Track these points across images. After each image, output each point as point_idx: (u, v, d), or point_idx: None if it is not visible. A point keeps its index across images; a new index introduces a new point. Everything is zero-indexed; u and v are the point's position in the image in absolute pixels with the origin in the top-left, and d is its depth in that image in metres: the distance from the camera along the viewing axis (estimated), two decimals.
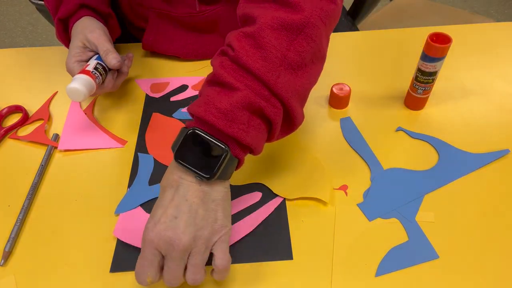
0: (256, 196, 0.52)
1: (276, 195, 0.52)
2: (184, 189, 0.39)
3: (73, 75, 0.57)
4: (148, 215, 0.49)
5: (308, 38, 0.40)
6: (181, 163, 0.39)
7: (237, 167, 0.42)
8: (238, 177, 0.54)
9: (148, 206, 0.51)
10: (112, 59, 0.58)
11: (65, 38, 0.63)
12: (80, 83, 0.53)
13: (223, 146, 0.39)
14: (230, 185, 0.44)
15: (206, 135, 0.39)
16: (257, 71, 0.38)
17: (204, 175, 0.39)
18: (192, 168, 0.39)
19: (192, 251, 0.38)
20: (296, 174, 0.54)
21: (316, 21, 0.40)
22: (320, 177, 0.53)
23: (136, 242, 0.47)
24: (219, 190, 0.40)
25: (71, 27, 0.61)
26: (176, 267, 0.38)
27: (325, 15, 0.41)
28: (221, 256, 0.39)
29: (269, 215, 0.50)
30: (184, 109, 0.63)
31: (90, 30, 0.59)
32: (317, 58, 0.43)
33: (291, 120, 0.42)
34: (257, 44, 0.39)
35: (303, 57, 0.40)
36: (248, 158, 0.56)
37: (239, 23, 0.45)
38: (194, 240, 0.38)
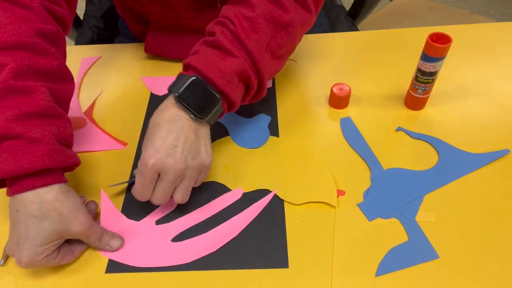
0: (237, 193, 0.52)
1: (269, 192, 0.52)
2: (181, 124, 0.46)
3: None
4: (130, 221, 0.50)
5: (288, 35, 0.51)
6: (182, 103, 0.46)
7: (218, 117, 0.50)
8: (245, 184, 0.54)
9: (131, 211, 0.51)
10: (115, 241, 0.47)
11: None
12: None
13: (218, 97, 0.47)
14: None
15: (207, 85, 0.46)
16: (251, 49, 0.48)
17: (199, 116, 0.46)
18: (191, 109, 0.46)
19: (185, 176, 0.46)
20: (301, 178, 0.53)
21: (297, 24, 0.51)
22: (325, 180, 0.53)
23: (128, 259, 0.47)
24: (205, 130, 0.48)
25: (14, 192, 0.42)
26: (169, 188, 0.45)
27: (304, 22, 0.52)
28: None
29: (266, 217, 0.50)
30: None
31: (70, 219, 0.42)
32: (289, 53, 0.55)
33: (260, 92, 0.53)
34: (253, 27, 0.48)
35: (281, 48, 0.51)
36: (251, 163, 0.56)
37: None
38: (188, 167, 0.45)
